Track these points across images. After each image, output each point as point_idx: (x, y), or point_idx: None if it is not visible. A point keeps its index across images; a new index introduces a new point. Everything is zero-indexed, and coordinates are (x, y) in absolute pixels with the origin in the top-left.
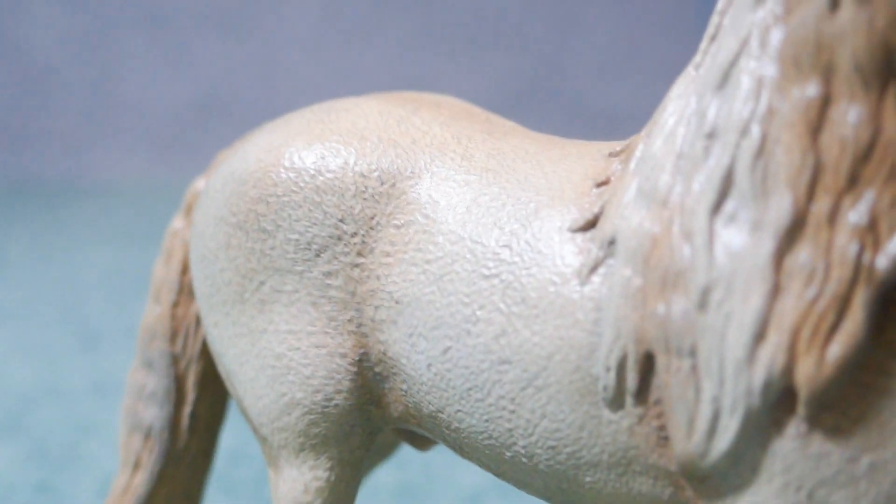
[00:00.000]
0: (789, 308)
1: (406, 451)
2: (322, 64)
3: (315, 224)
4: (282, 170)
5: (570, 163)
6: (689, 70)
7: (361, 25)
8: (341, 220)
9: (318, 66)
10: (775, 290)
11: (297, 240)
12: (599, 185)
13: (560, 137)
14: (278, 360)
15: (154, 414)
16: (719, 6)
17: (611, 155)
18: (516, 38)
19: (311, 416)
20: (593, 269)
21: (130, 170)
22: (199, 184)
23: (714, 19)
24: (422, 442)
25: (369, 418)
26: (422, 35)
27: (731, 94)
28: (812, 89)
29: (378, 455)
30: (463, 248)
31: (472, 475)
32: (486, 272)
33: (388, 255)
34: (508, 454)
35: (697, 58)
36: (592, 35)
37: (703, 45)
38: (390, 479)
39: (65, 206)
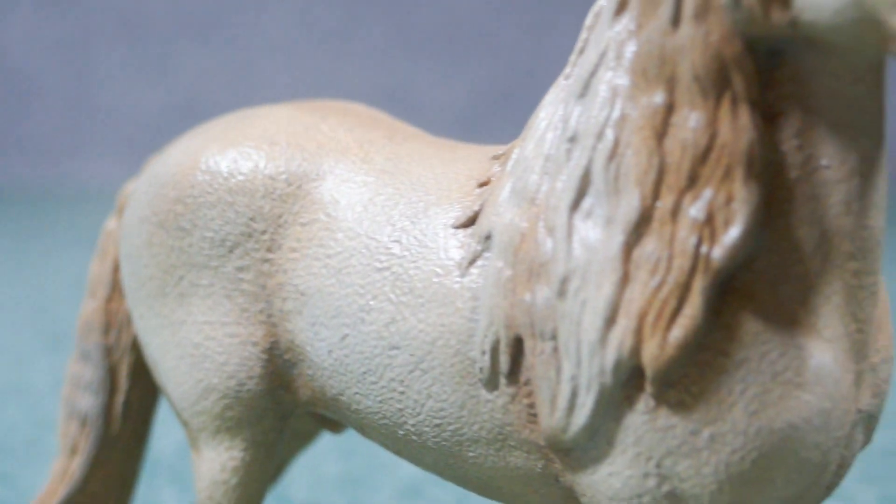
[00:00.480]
0: (637, 295)
1: (350, 442)
2: (299, 70)
3: (228, 223)
4: (198, 173)
5: (459, 165)
6: (561, 79)
7: (338, 32)
8: (252, 219)
9: (294, 73)
10: (624, 279)
11: (211, 237)
12: (481, 185)
13: (457, 142)
14: (196, 349)
15: (90, 402)
16: (587, 22)
17: (494, 157)
18: (491, 44)
19: (226, 401)
20: (472, 262)
21: (108, 176)
22: (130, 186)
23: (583, 34)
24: (333, 425)
25: (280, 402)
26: (398, 42)
27: (590, 102)
28: (658, 98)
29: (298, 441)
30: (359, 243)
31: (413, 466)
32: (379, 265)
33: (294, 250)
34: (401, 432)
35: (568, 69)
36: (566, 41)
37: (573, 57)
38: (335, 468)
39: (43, 212)
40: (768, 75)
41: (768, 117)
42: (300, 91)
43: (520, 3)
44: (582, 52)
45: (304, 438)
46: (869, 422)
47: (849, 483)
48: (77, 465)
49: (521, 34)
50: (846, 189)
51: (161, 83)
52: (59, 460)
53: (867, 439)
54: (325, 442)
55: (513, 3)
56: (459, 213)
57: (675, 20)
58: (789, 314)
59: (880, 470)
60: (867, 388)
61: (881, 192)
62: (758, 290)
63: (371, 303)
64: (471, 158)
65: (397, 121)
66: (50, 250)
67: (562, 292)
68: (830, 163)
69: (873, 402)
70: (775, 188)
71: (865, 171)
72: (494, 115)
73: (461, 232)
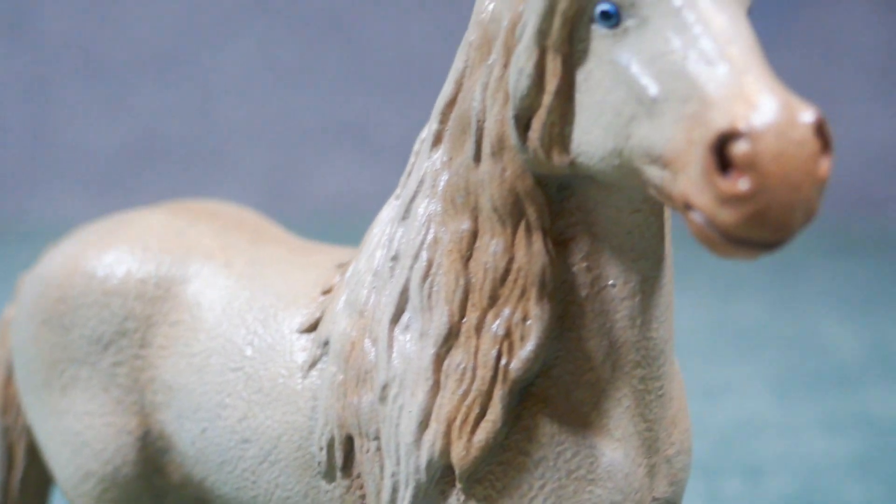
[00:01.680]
0: (446, 402)
1: None
2: (257, 107)
3: (104, 322)
4: (77, 276)
5: (308, 272)
6: (392, 199)
7: (295, 69)
8: (125, 319)
9: (253, 110)
10: (436, 388)
11: (89, 335)
12: (324, 292)
13: (315, 244)
14: (77, 437)
15: None
16: (415, 147)
17: (338, 266)
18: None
19: (104, 485)
20: (312, 365)
21: (69, 213)
22: (24, 280)
23: (411, 159)
24: None
25: (154, 486)
26: (355, 78)
27: (410, 225)
28: (464, 224)
29: None
30: (218, 344)
31: None
32: (234, 366)
33: (163, 348)
34: None
35: (398, 189)
36: None
37: (403, 179)
38: None
39: (3, 249)
40: (559, 206)
41: (561, 242)
42: (259, 127)
43: None
44: (409, 175)
45: None
46: None
47: None
48: None
49: None
50: (630, 305)
51: (120, 120)
52: None
53: None
54: None
55: None
56: (304, 318)
57: (477, 157)
58: (583, 416)
59: None
60: (663, 478)
61: (663, 307)
62: (554, 394)
63: (226, 400)
64: (319, 265)
65: (264, 221)
66: (3, 288)
67: (383, 398)
68: (616, 282)
69: (670, 489)
70: (568, 304)
71: (647, 289)
72: None
73: (304, 337)
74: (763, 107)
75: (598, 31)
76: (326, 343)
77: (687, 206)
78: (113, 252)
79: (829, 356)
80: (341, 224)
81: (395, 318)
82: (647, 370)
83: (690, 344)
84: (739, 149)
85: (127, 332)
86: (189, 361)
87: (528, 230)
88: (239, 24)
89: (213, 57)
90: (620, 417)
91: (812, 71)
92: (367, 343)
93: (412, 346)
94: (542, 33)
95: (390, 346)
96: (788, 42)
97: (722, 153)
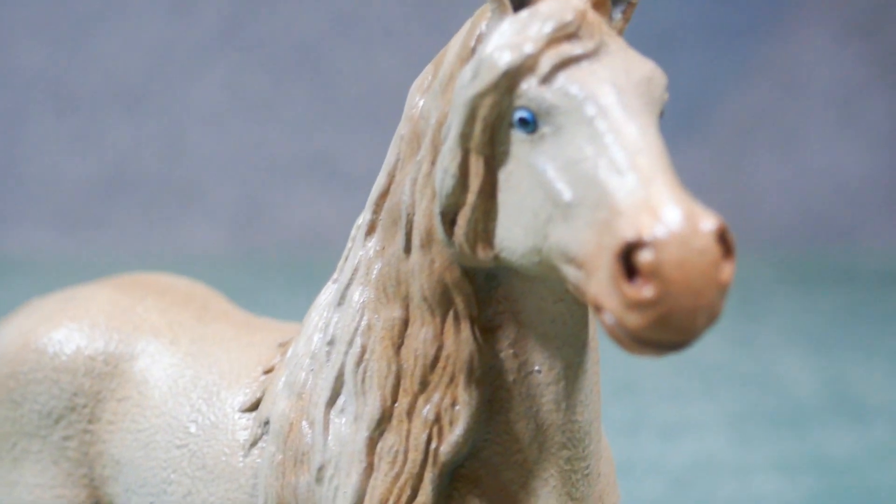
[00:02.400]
0: (379, 483)
1: None
2: (227, 139)
3: (54, 397)
4: (28, 352)
5: (252, 350)
6: (330, 283)
7: (265, 102)
8: (75, 395)
9: (222, 142)
10: (369, 469)
11: (39, 410)
12: (266, 371)
13: (260, 320)
14: None
15: None
16: (352, 233)
17: (279, 346)
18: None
19: None
20: (253, 444)
21: (37, 246)
22: None
23: (348, 244)
24: None
25: None
26: (323, 111)
27: (345, 311)
28: (396, 312)
29: None
30: (163, 421)
31: None
32: (178, 443)
33: (111, 423)
34: None
35: (336, 274)
36: None
37: (340, 263)
38: None
39: None
40: (486, 295)
41: (488, 330)
42: (228, 159)
43: None
44: (346, 260)
45: None
46: None
47: None
48: None
49: None
50: (555, 390)
51: (90, 153)
52: None
53: None
54: None
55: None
56: (246, 397)
57: (407, 248)
58: (511, 496)
59: None
60: None
61: (587, 391)
62: (483, 475)
63: (172, 476)
64: (263, 344)
65: (211, 295)
66: None
67: (319, 479)
68: (541, 368)
69: None
70: (496, 389)
71: (571, 375)
72: None
73: (246, 416)
74: (666, 217)
75: (518, 136)
76: (267, 423)
77: (598, 307)
78: (63, 329)
79: (786, 395)
80: (311, 255)
81: (331, 402)
82: (573, 451)
83: (652, 383)
84: (644, 257)
85: (76, 408)
86: (136, 437)
87: (457, 319)
88: (209, 58)
89: (184, 90)
90: (548, 497)
91: (776, 103)
92: (305, 425)
93: (347, 429)
94: (465, 136)
95: (326, 428)
96: (752, 74)
97: (629, 260)
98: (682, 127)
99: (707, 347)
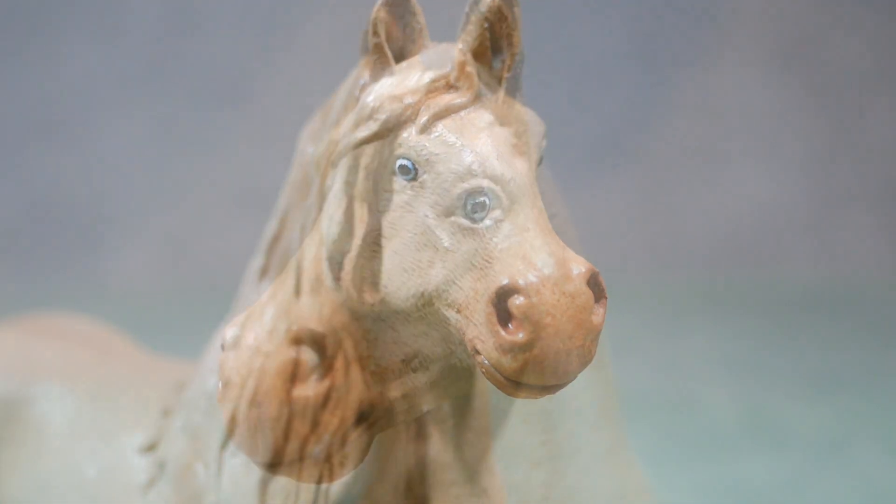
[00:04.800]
0: None
1: None
2: (157, 172)
3: None
4: None
5: (151, 391)
6: (225, 324)
7: (194, 134)
8: None
9: (153, 175)
10: None
11: None
12: (165, 413)
13: (161, 360)
14: None
15: None
16: (245, 276)
17: (177, 386)
18: None
19: None
20: (151, 485)
21: None
22: None
23: (242, 287)
24: None
25: None
26: (253, 142)
27: (239, 352)
28: (290, 353)
29: None
30: (62, 464)
31: None
32: (76, 485)
33: (11, 466)
34: None
35: (230, 315)
36: None
37: (234, 305)
38: None
39: None
40: (376, 337)
41: (378, 372)
42: (158, 191)
43: None
44: (239, 302)
45: None
46: None
47: None
48: None
49: None
50: (443, 430)
51: (15, 186)
52: None
53: None
54: None
55: None
56: (144, 439)
57: (297, 292)
58: None
59: None
60: None
61: (476, 430)
62: None
63: None
64: (162, 385)
65: (112, 336)
66: None
67: None
68: (429, 408)
69: None
70: (386, 429)
71: (458, 415)
72: None
73: (145, 457)
74: (539, 263)
75: (400, 183)
76: (164, 464)
77: (475, 351)
78: None
79: (706, 422)
80: (238, 288)
81: (225, 443)
82: (462, 488)
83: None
84: (517, 302)
85: None
86: (34, 480)
87: (346, 361)
88: (135, 91)
89: (110, 123)
90: None
91: (699, 133)
92: (200, 466)
93: (241, 469)
94: (349, 184)
95: (220, 469)
96: (676, 104)
97: (504, 306)
98: (609, 155)
99: (632, 372)
